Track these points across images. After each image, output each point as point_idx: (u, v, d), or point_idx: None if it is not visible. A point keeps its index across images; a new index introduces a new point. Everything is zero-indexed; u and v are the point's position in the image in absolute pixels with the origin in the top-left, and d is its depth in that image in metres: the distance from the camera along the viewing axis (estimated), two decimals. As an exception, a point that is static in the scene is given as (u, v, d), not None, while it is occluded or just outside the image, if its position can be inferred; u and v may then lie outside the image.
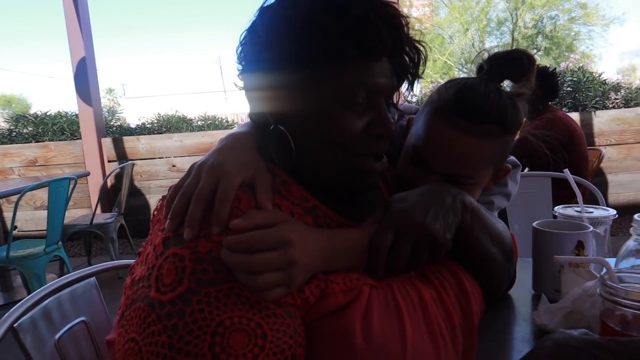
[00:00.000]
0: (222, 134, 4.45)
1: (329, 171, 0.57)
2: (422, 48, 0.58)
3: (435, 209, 0.56)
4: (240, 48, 0.58)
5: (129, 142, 4.42)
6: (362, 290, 0.50)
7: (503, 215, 0.99)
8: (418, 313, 0.53)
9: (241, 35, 0.57)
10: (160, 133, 4.72)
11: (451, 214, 0.57)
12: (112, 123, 5.04)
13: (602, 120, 3.86)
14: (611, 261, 0.73)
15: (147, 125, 4.86)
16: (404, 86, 0.62)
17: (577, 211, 0.89)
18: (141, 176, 4.43)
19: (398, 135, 0.80)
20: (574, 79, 4.16)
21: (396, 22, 0.54)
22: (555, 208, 0.92)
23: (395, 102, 0.62)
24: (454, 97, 0.66)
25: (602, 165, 3.15)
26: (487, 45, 14.78)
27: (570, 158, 2.18)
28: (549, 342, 0.45)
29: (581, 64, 4.44)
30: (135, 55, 76.42)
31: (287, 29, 0.52)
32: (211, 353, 0.42)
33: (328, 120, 0.53)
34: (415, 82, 0.61)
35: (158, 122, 4.89)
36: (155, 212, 0.56)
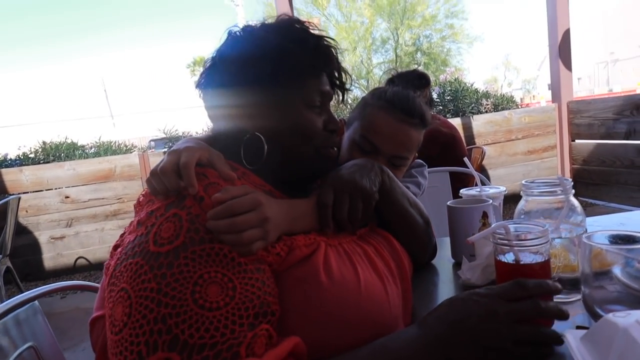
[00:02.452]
0: (121, 159, 4.20)
1: (300, 161, 0.71)
2: (347, 74, 0.78)
3: (360, 171, 0.73)
4: (205, 72, 0.71)
5: (8, 174, 3.91)
6: (319, 244, 0.63)
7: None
8: (365, 260, 0.67)
9: (206, 61, 0.71)
10: (48, 162, 4.26)
11: (373, 174, 0.75)
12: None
13: (478, 123, 4.43)
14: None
15: (30, 155, 4.32)
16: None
17: (477, 191, 1.06)
18: (27, 211, 3.93)
19: None
20: (452, 89, 4.74)
21: (333, 50, 0.74)
22: (461, 191, 1.09)
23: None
24: (394, 99, 0.90)
25: (483, 162, 3.63)
26: (375, 61, 15.99)
27: (456, 155, 2.48)
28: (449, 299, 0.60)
29: (456, 76, 5.06)
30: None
31: (264, 55, 0.67)
32: (192, 298, 0.50)
33: (301, 119, 0.69)
34: (345, 99, 0.80)
35: (44, 151, 4.39)
36: (142, 198, 0.65)
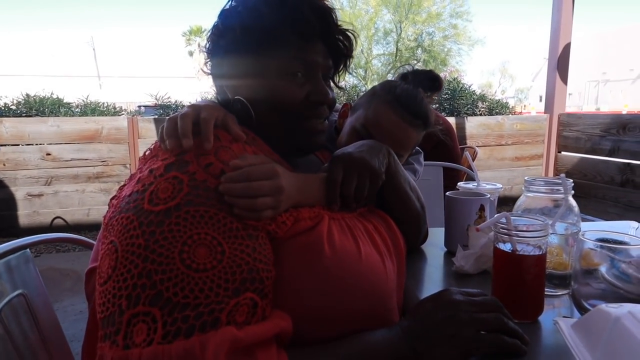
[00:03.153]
0: (109, 120, 4.11)
1: (281, 132, 0.69)
2: (351, 35, 0.72)
3: (370, 152, 0.73)
4: (206, 40, 0.71)
5: (-13, 124, 3.74)
6: (323, 217, 0.64)
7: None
8: (365, 235, 0.68)
9: (208, 31, 0.71)
10: (30, 116, 4.12)
11: (381, 156, 0.75)
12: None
13: (472, 124, 4.48)
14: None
15: (12, 107, 4.11)
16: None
17: (474, 185, 1.09)
18: (5, 165, 3.77)
19: (330, 129, 0.98)
20: (451, 88, 4.76)
21: (323, 11, 0.68)
22: (459, 184, 1.11)
23: (336, 81, 0.77)
24: (403, 96, 0.90)
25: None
26: (375, 52, 15.90)
27: (450, 151, 2.51)
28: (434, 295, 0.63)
29: (455, 76, 5.09)
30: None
31: (238, 20, 0.66)
32: (179, 257, 0.50)
33: (274, 90, 0.66)
34: (348, 62, 0.76)
35: (26, 104, 4.18)
36: (148, 152, 0.64)
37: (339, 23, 0.70)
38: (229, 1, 0.69)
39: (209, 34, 0.71)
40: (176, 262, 0.50)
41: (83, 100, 4.57)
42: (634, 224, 1.22)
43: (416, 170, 1.14)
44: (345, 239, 0.63)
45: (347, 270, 0.60)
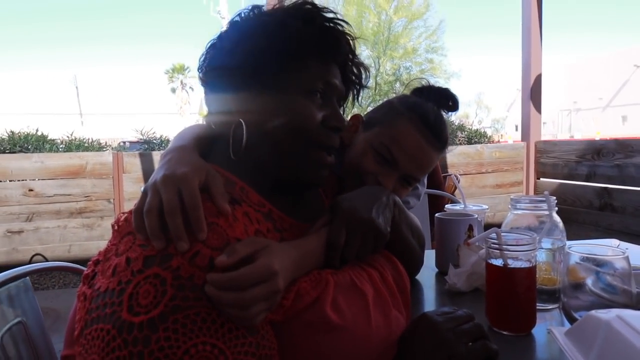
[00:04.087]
0: (94, 156, 4.10)
1: (288, 161, 0.62)
2: (364, 70, 0.71)
3: (377, 207, 0.66)
4: (204, 57, 0.65)
5: (-29, 161, 3.73)
6: (327, 281, 0.57)
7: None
8: (375, 298, 0.60)
9: (207, 45, 0.65)
10: (14, 152, 4.09)
11: (388, 211, 0.68)
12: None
13: (452, 154, 4.59)
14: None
15: None
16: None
17: (461, 207, 1.13)
18: (-16, 202, 3.75)
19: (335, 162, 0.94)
20: (430, 118, 4.90)
21: (345, 36, 0.66)
22: (446, 206, 1.15)
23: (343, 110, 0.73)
24: (429, 116, 0.83)
25: (456, 191, 3.75)
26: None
27: (434, 178, 2.58)
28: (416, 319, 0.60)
29: (435, 107, 5.25)
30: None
31: (263, 31, 0.61)
32: None
33: (294, 107, 0.61)
34: (360, 94, 0.74)
35: (11, 140, 4.22)
36: (123, 222, 0.54)
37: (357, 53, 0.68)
38: (242, 12, 0.64)
39: (208, 47, 0.65)
40: None
41: (68, 137, 4.56)
42: (615, 241, 1.27)
43: (419, 195, 1.10)
44: (351, 301, 0.57)
45: (355, 344, 0.55)
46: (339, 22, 0.65)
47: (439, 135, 0.83)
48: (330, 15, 0.64)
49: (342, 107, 0.72)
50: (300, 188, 0.67)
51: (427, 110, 0.84)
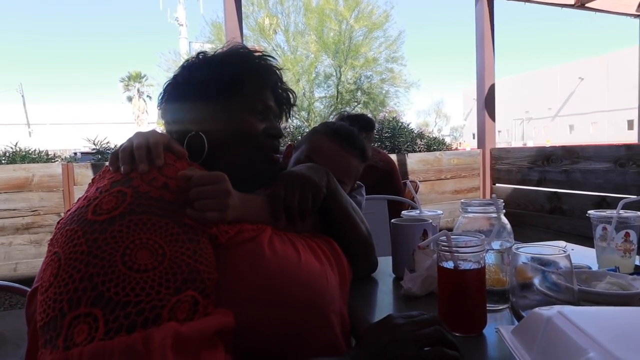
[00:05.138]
0: (41, 168, 3.91)
1: (239, 160, 0.76)
2: (291, 93, 0.87)
3: (309, 169, 0.81)
4: (163, 92, 0.81)
5: None
6: (266, 229, 0.68)
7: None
8: (306, 247, 0.71)
9: (165, 84, 0.82)
10: (-48, 166, 3.81)
11: (320, 173, 0.81)
12: None
13: (412, 160, 4.70)
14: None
15: None
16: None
17: (417, 213, 1.14)
18: None
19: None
20: (391, 126, 5.01)
21: (274, 68, 0.83)
22: (402, 212, 1.16)
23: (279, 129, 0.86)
24: (340, 130, 1.02)
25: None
26: (317, 95, 16.51)
27: (393, 185, 2.62)
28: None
29: (394, 115, 5.37)
30: None
31: (209, 67, 0.78)
32: (121, 260, 0.52)
33: (242, 123, 0.77)
34: (290, 114, 0.88)
35: None
36: (98, 176, 0.67)
37: (284, 81, 0.86)
38: (190, 59, 0.82)
39: (165, 86, 0.81)
40: (118, 264, 0.51)
41: (12, 148, 4.29)
42: (562, 243, 1.32)
43: (360, 202, 1.19)
44: (286, 247, 0.68)
45: (286, 270, 0.64)
46: (267, 57, 0.83)
47: (353, 144, 1.00)
48: (261, 54, 0.82)
49: (279, 122, 0.87)
50: (255, 183, 0.79)
51: (340, 125, 1.02)
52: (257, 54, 0.82)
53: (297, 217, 0.74)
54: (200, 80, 0.77)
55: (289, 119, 0.90)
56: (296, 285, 0.63)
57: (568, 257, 0.69)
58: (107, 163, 0.68)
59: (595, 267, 1.07)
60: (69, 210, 0.63)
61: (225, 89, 0.77)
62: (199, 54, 0.82)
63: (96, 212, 0.56)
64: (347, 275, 0.78)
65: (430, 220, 1.02)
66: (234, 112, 0.77)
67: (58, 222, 0.62)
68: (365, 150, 1.02)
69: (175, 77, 0.81)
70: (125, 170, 0.62)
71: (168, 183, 0.61)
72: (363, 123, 1.08)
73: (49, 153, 4.65)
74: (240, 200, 0.67)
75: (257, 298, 0.60)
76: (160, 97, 0.82)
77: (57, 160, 4.50)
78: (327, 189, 0.81)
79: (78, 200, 0.63)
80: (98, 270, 0.51)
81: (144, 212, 0.56)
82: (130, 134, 0.73)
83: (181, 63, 0.83)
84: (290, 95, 0.86)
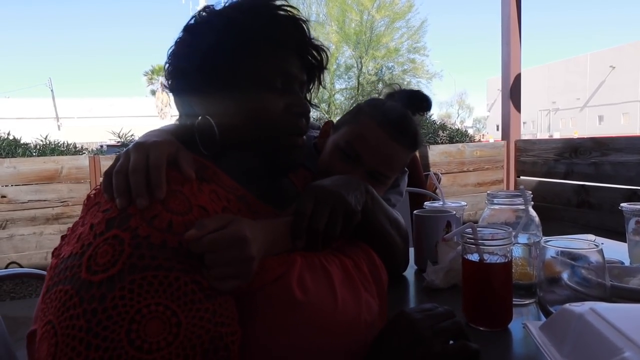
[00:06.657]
0: (69, 160, 4.01)
1: (256, 149, 0.64)
2: (323, 52, 0.70)
3: (347, 186, 0.67)
4: (166, 64, 0.66)
5: None
6: (295, 260, 0.56)
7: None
8: (341, 272, 0.60)
9: (167, 52, 0.66)
10: (-16, 158, 3.95)
11: (358, 193, 0.68)
12: None
13: (434, 153, 4.63)
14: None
15: None
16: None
17: (440, 204, 1.12)
18: (-47, 211, 3.60)
19: (309, 145, 0.95)
20: (412, 118, 4.94)
21: (297, 21, 0.66)
22: (425, 203, 1.14)
23: (309, 98, 0.73)
24: (391, 113, 0.85)
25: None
26: (337, 87, 16.40)
27: (415, 177, 2.58)
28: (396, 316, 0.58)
29: (416, 107, 5.29)
30: None
31: (211, 29, 0.63)
32: (127, 338, 0.43)
33: (253, 100, 0.62)
34: (322, 78, 0.73)
35: None
36: (92, 195, 0.56)
37: (312, 37, 0.68)
38: (195, 15, 0.65)
39: (168, 55, 0.65)
40: (124, 345, 0.43)
41: (42, 141, 4.43)
42: (591, 236, 1.28)
43: (401, 192, 1.11)
44: (319, 285, 0.56)
45: (322, 325, 0.54)
46: (287, 9, 0.65)
47: (403, 131, 0.84)
48: (278, 3, 0.64)
49: (309, 91, 0.73)
50: (275, 173, 0.68)
51: (390, 107, 0.87)
52: (274, 2, 0.65)
53: (319, 242, 0.61)
54: (202, 50, 0.61)
55: (321, 85, 0.74)
56: (332, 338, 0.54)
57: (600, 251, 0.66)
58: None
59: (627, 262, 1.03)
60: (64, 239, 0.54)
61: (232, 56, 0.62)
62: (204, 8, 0.66)
63: (91, 268, 0.46)
64: (385, 291, 0.70)
65: (454, 212, 1.00)
66: (245, 86, 0.62)
67: (53, 252, 0.54)
68: (417, 138, 0.86)
69: (176, 44, 0.65)
70: (122, 205, 0.50)
71: (173, 222, 0.49)
72: (417, 103, 0.89)
73: (77, 146, 4.78)
74: (265, 237, 0.54)
75: (288, 357, 0.52)
76: (165, 68, 0.67)
77: (84, 153, 4.62)
78: (363, 211, 0.68)
79: (73, 229, 0.53)
80: (101, 354, 0.42)
81: (147, 267, 0.46)
82: (156, 127, 0.63)
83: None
84: (322, 54, 0.69)
